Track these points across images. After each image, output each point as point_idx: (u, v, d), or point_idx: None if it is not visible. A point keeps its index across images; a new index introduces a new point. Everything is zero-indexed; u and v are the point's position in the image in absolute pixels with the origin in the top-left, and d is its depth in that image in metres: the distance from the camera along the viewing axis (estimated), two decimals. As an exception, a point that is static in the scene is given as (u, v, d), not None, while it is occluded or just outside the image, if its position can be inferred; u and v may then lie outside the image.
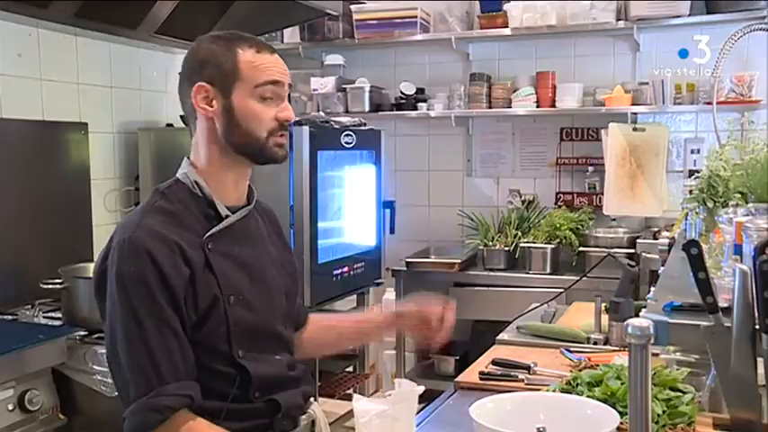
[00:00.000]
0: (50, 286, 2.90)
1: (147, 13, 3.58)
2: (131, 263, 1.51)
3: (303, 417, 1.74)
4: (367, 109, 4.77)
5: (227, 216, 1.65)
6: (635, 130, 4.24)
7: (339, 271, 3.83)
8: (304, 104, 4.91)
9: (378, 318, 2.06)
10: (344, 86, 4.84)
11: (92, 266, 3.14)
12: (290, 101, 1.71)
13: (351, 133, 3.88)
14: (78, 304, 2.80)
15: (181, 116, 1.81)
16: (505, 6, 4.48)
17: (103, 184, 3.78)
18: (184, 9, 3.67)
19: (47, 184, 3.38)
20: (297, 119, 3.81)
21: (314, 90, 4.87)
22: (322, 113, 4.66)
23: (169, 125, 3.99)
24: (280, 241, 1.86)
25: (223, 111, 1.61)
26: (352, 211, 4.05)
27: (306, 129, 3.50)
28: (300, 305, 1.97)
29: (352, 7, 4.72)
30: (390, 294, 4.59)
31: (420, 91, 4.81)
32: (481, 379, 2.09)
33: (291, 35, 4.93)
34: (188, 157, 1.70)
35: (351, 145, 3.88)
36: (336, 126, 3.88)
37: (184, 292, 1.53)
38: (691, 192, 2.35)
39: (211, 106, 1.61)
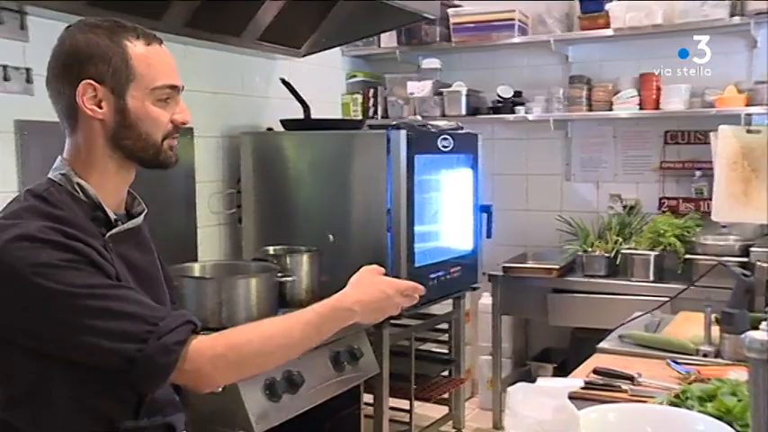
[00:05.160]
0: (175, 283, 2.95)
1: (251, 21, 3.66)
2: (44, 251, 1.32)
3: None
4: (464, 112, 4.74)
5: (116, 220, 1.50)
6: (749, 132, 4.04)
7: (436, 275, 3.80)
8: (401, 108, 4.92)
9: None
10: (441, 90, 4.83)
11: (197, 266, 3.24)
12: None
13: (448, 137, 3.86)
14: (185, 302, 2.86)
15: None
16: (607, 6, 4.36)
17: (207, 186, 3.86)
18: (285, 16, 3.73)
19: (155, 187, 3.42)
20: (394, 122, 3.82)
21: (411, 94, 4.88)
22: (419, 117, 4.68)
23: (269, 129, 4.06)
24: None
25: (115, 112, 1.45)
26: (448, 214, 4.03)
27: (403, 133, 3.50)
28: None
29: (450, 11, 4.71)
30: (487, 299, 4.55)
31: (518, 94, 4.75)
32: (583, 388, 2.02)
33: (389, 39, 4.94)
34: (62, 157, 1.51)
35: (448, 149, 3.86)
36: (433, 130, 3.87)
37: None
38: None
39: (100, 107, 1.44)
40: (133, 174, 1.55)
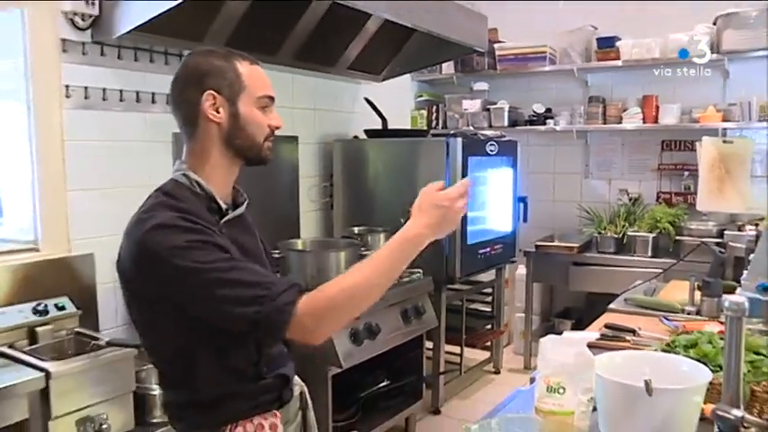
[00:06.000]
0: (273, 256, 3.02)
1: (342, 55, 3.73)
2: (175, 235, 1.27)
3: (296, 387, 1.59)
4: (506, 124, 4.73)
5: (226, 209, 1.44)
6: (724, 142, 3.98)
7: (483, 251, 3.84)
8: (457, 121, 4.93)
9: None
10: (489, 107, 4.83)
11: (300, 242, 3.31)
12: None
13: (494, 143, 3.87)
14: (290, 268, 2.94)
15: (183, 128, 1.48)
16: (618, 43, 4.32)
17: (307, 181, 3.91)
18: (368, 51, 3.78)
19: (269, 181, 3.53)
20: (452, 132, 3.85)
21: (465, 109, 4.88)
22: (471, 128, 4.68)
23: (355, 137, 4.11)
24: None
25: (230, 117, 1.40)
26: (493, 203, 4.05)
27: (459, 140, 3.54)
28: None
29: (496, 45, 4.70)
30: (522, 270, 4.56)
31: (548, 110, 4.72)
32: (597, 339, 2.05)
33: (448, 67, 4.95)
34: (180, 160, 1.45)
35: (494, 152, 3.88)
36: (482, 137, 3.89)
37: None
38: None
39: (218, 113, 1.40)
40: (238, 170, 1.48)
